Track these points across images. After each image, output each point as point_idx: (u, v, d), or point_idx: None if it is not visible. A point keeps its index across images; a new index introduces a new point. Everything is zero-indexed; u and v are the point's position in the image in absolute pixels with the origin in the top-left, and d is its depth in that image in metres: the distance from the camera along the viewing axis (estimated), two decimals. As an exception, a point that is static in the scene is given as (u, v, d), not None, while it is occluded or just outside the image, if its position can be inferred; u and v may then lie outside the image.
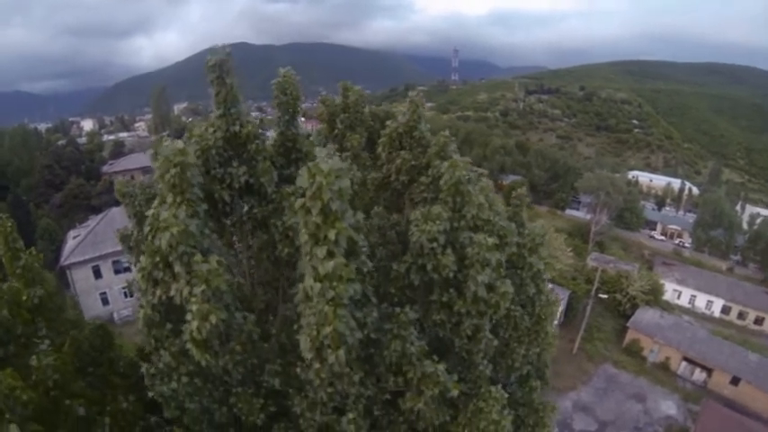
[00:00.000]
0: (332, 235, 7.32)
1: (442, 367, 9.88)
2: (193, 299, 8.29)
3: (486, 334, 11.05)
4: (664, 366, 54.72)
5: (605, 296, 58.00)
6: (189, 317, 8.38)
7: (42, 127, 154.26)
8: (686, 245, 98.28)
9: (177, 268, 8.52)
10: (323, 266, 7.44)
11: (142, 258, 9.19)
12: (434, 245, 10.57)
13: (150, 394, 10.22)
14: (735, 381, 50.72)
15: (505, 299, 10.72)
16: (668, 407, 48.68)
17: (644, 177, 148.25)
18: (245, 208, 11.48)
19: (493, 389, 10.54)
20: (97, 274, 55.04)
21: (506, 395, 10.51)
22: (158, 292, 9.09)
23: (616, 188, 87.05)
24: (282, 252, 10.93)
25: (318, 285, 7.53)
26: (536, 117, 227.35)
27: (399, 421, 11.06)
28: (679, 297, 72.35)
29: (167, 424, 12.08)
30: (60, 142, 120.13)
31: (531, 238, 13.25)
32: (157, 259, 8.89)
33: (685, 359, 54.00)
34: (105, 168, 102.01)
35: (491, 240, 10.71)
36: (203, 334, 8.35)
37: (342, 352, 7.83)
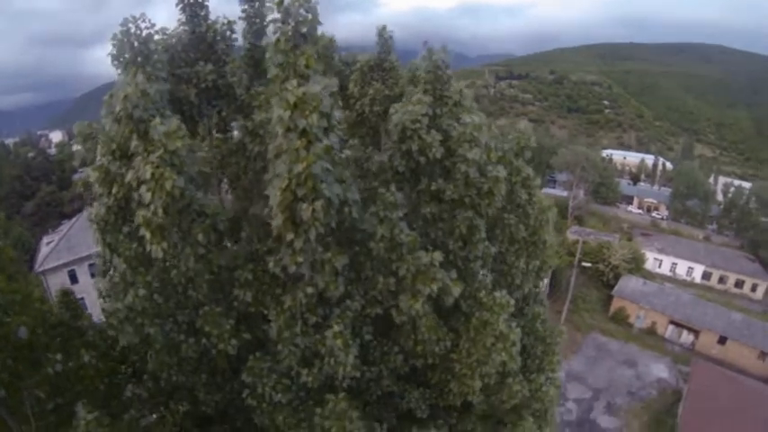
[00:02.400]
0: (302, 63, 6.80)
1: (438, 256, 8.84)
2: (148, 166, 7.37)
3: (483, 236, 10.27)
4: (651, 331, 55.33)
5: (588, 264, 58.47)
6: (142, 190, 7.49)
7: (10, 142, 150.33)
8: (663, 217, 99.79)
9: (134, 142, 7.69)
10: (293, 93, 6.76)
11: (99, 151, 8.52)
12: (417, 125, 9.82)
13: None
14: (722, 340, 51.50)
15: (499, 186, 9.98)
16: (659, 370, 49.18)
17: (618, 155, 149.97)
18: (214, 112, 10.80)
19: (497, 294, 9.72)
20: (73, 278, 53.21)
21: (512, 302, 9.77)
22: (114, 190, 8.28)
23: (591, 163, 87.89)
24: (253, 151, 10.13)
25: (288, 114, 6.80)
26: (507, 102, 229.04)
27: (394, 351, 10.31)
28: (660, 266, 73.24)
29: (134, 376, 11.26)
30: (30, 155, 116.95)
31: (515, 141, 12.59)
32: (113, 147, 8.18)
33: (672, 323, 54.66)
34: (76, 177, 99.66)
35: (477, 119, 10.05)
36: (158, 207, 7.45)
37: (319, 204, 6.98)
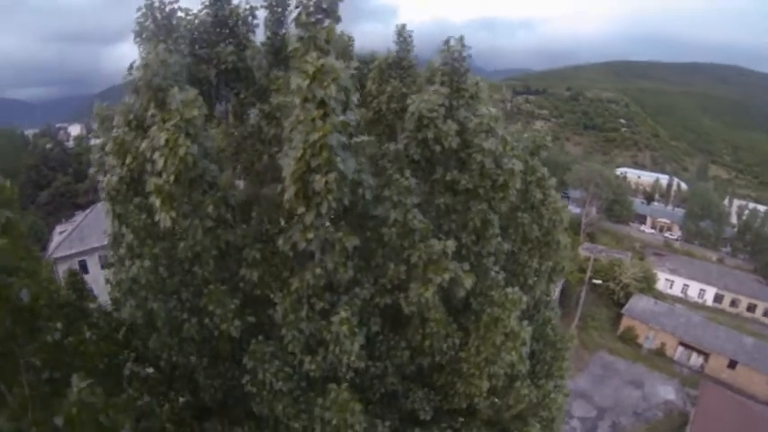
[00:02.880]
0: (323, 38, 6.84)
1: (451, 245, 8.63)
2: (163, 133, 7.36)
3: (496, 231, 10.08)
4: (660, 353, 54.40)
5: (599, 282, 57.83)
6: (156, 156, 7.50)
7: (30, 132, 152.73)
8: (676, 237, 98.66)
9: (151, 111, 7.72)
10: (312, 64, 6.73)
11: (116, 121, 8.55)
12: (434, 114, 9.72)
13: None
14: (732, 364, 50.50)
15: (514, 179, 9.83)
16: (666, 392, 48.32)
17: (632, 174, 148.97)
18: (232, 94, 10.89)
19: (509, 290, 9.42)
20: (84, 268, 53.51)
21: (525, 298, 9.50)
22: (128, 161, 8.26)
23: (605, 180, 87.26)
24: (268, 134, 10.13)
25: (306, 83, 6.75)
26: (524, 117, 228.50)
27: (401, 347, 10.05)
28: (671, 286, 72.20)
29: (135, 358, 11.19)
30: (48, 146, 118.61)
31: (531, 140, 12.43)
32: (130, 117, 8.22)
33: (681, 344, 53.73)
34: (92, 171, 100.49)
35: (494, 110, 9.98)
36: (170, 174, 7.40)
37: (333, 176, 6.89)
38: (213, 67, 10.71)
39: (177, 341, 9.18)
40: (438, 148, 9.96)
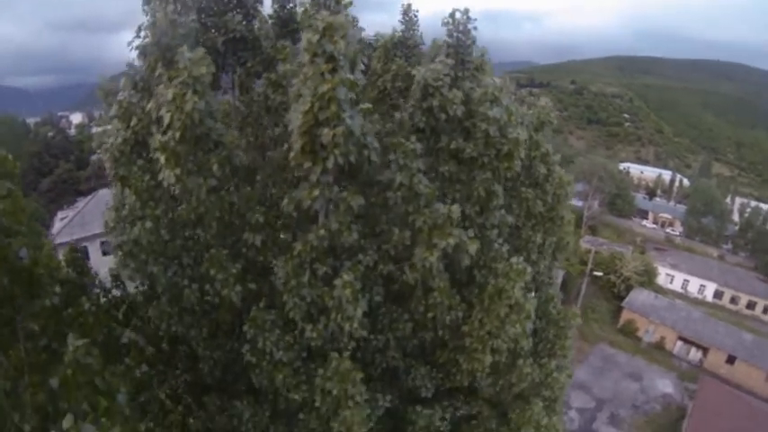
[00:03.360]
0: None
1: (456, 209, 8.50)
2: (170, 89, 7.36)
3: (500, 202, 10.00)
4: (659, 346, 54.39)
5: (600, 274, 57.79)
6: (162, 112, 7.48)
7: (31, 121, 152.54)
8: (678, 233, 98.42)
9: (158, 71, 7.72)
10: (322, 20, 6.83)
11: (122, 85, 8.54)
12: (439, 83, 9.78)
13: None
14: (730, 360, 50.52)
15: (518, 148, 9.78)
16: (665, 385, 48.32)
17: (635, 169, 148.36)
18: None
19: (513, 260, 9.26)
20: (85, 255, 53.69)
21: (529, 269, 9.31)
22: (133, 122, 8.28)
23: (608, 173, 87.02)
24: (275, 101, 10.10)
25: (316, 38, 6.83)
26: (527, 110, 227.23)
27: (403, 319, 9.90)
28: (672, 281, 72.09)
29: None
30: (49, 134, 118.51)
31: (535, 115, 12.34)
32: (137, 79, 8.23)
33: (681, 339, 53.71)
34: (94, 157, 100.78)
35: (499, 80, 9.97)
36: (176, 130, 7.39)
37: (340, 130, 6.87)
38: (221, 36, 10.69)
39: (177, 311, 9.07)
40: (443, 116, 9.93)
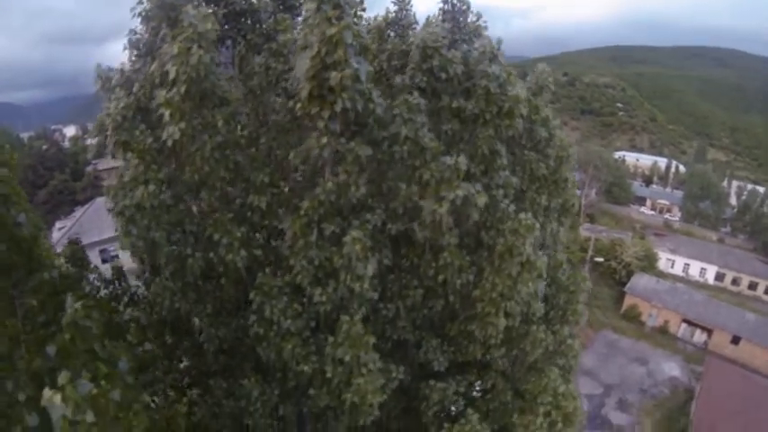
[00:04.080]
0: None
1: (463, 161, 8.32)
2: (176, 45, 7.32)
3: (504, 162, 9.94)
4: (663, 330, 54.34)
5: (601, 260, 57.73)
6: (167, 67, 7.46)
7: (25, 135, 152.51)
8: (676, 218, 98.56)
9: (162, 31, 7.66)
10: None
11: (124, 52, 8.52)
12: (438, 44, 9.84)
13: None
14: (735, 340, 50.50)
15: (519, 105, 9.78)
16: (671, 368, 48.29)
17: (630, 157, 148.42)
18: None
19: (522, 216, 9.04)
20: (84, 262, 53.36)
21: (538, 225, 9.09)
22: (135, 88, 8.19)
23: (604, 161, 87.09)
24: (276, 70, 9.98)
25: None
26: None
27: (413, 285, 9.72)
28: (672, 266, 71.99)
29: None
30: (43, 147, 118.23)
31: (534, 80, 12.32)
32: (140, 45, 8.19)
33: (685, 321, 53.64)
34: (89, 169, 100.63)
35: (498, 38, 10.03)
36: (181, 85, 7.37)
37: (348, 73, 6.91)
38: (221, 9, 10.52)
39: (180, 286, 8.88)
40: (443, 75, 9.93)
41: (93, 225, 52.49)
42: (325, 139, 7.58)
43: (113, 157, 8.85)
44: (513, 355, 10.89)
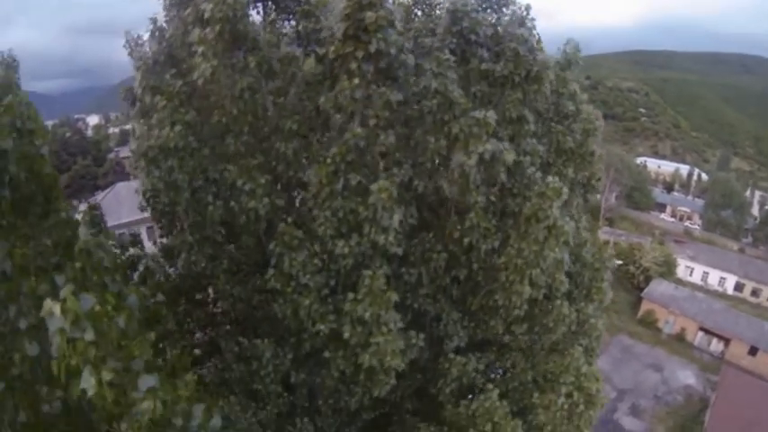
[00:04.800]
0: None
1: (492, 115, 8.12)
2: None
3: (531, 128, 9.84)
4: (680, 337, 53.32)
5: (620, 262, 56.88)
6: (204, 4, 7.56)
7: (49, 123, 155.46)
8: (696, 226, 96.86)
9: None
10: None
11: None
12: (468, 8, 9.93)
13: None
14: (753, 351, 49.37)
15: (548, 71, 9.90)
16: (686, 376, 47.40)
17: (652, 163, 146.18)
18: None
19: (549, 179, 8.80)
20: (104, 245, 53.98)
21: (566, 189, 8.84)
22: (168, 34, 8.06)
23: (625, 165, 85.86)
24: (307, 29, 9.99)
25: None
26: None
27: (437, 249, 9.40)
28: (691, 274, 70.59)
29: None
30: (67, 134, 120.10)
31: (562, 54, 12.17)
32: None
33: (702, 329, 52.61)
34: (111, 155, 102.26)
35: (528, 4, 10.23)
36: (216, 23, 7.55)
37: (383, 12, 7.17)
38: None
39: (198, 238, 8.74)
40: (473, 37, 9.86)
41: (112, 209, 52.89)
42: (357, 80, 7.55)
43: (141, 102, 8.86)
44: (535, 333, 10.59)
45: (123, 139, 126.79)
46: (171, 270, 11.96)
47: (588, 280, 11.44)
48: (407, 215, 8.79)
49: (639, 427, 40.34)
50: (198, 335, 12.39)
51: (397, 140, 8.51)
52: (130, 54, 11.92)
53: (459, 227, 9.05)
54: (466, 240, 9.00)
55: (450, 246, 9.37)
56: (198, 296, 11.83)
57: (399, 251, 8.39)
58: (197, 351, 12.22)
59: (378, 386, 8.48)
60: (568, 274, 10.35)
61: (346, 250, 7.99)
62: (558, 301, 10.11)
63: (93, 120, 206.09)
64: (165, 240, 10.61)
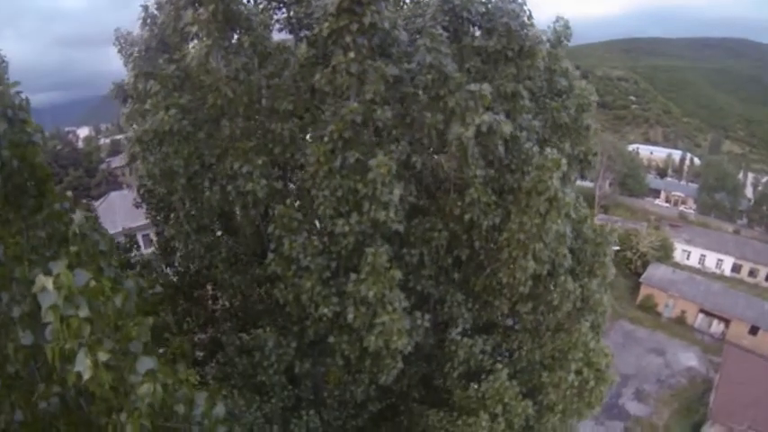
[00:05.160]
0: None
1: (488, 87, 8.05)
2: None
3: (526, 104, 9.74)
4: (680, 321, 53.42)
5: (617, 248, 56.88)
6: None
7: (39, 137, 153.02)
8: (691, 210, 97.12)
9: None
10: None
11: None
12: None
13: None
14: (753, 331, 49.54)
15: (540, 45, 9.91)
16: (688, 359, 47.52)
17: (644, 150, 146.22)
18: None
19: (548, 150, 8.73)
20: (98, 254, 53.67)
21: (564, 160, 8.71)
22: (160, 19, 8.06)
23: (618, 152, 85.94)
24: (298, 14, 10.01)
25: None
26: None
27: (438, 228, 9.26)
28: (688, 257, 70.68)
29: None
30: (57, 146, 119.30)
31: (552, 31, 12.18)
32: None
33: (702, 311, 52.71)
34: (103, 166, 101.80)
35: None
36: (209, 5, 7.50)
37: None
38: None
39: (195, 227, 8.60)
40: (465, 14, 9.75)
41: (107, 218, 52.62)
42: (352, 54, 7.46)
43: (134, 89, 8.72)
44: (541, 312, 10.47)
45: (114, 149, 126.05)
46: (169, 270, 11.81)
47: (590, 255, 11.33)
48: (407, 193, 8.67)
49: (645, 411, 40.40)
50: (198, 336, 12.22)
51: (394, 118, 8.41)
52: (120, 51, 11.75)
53: (459, 204, 8.93)
54: (467, 217, 8.88)
55: (450, 224, 9.25)
56: (196, 293, 11.67)
57: (401, 228, 8.25)
58: (198, 354, 12.08)
59: (384, 371, 8.34)
60: (570, 251, 10.27)
61: (347, 229, 7.86)
62: (563, 277, 10.00)
63: (84, 131, 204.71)
64: (161, 236, 10.39)
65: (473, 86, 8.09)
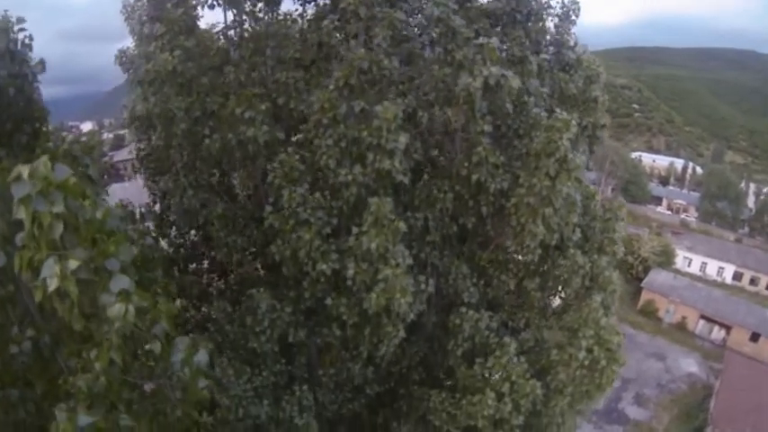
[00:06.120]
0: None
1: (495, 41, 7.79)
2: None
3: (534, 68, 9.50)
4: (680, 326, 53.07)
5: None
6: None
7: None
8: (692, 218, 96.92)
9: None
10: None
11: None
12: None
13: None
14: (754, 338, 49.26)
15: (548, 9, 9.99)
16: (689, 364, 47.17)
17: (647, 158, 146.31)
18: None
19: (557, 112, 8.49)
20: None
21: (574, 122, 8.42)
22: None
23: (620, 158, 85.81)
24: None
25: None
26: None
27: (443, 189, 8.94)
28: (689, 264, 70.30)
29: None
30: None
31: (559, 7, 11.76)
32: None
33: (703, 317, 52.39)
34: (106, 159, 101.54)
35: None
36: None
37: None
38: None
39: (192, 181, 8.29)
40: None
41: (108, 209, 52.80)
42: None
43: (142, 30, 8.56)
44: (549, 288, 10.13)
45: (117, 143, 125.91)
46: (164, 243, 11.47)
47: (599, 232, 11.03)
48: (412, 149, 8.34)
49: (644, 415, 40.07)
50: (191, 313, 11.86)
51: (400, 74, 8.16)
52: (126, 20, 11.53)
53: (466, 164, 8.60)
54: (474, 178, 8.54)
55: (456, 186, 8.90)
56: (191, 266, 11.35)
57: (405, 180, 7.92)
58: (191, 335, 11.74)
59: (385, 340, 7.95)
60: (579, 227, 9.95)
61: (350, 178, 7.50)
62: (572, 251, 9.65)
63: (87, 126, 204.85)
64: (156, 197, 10.03)
65: (481, 40, 7.85)
